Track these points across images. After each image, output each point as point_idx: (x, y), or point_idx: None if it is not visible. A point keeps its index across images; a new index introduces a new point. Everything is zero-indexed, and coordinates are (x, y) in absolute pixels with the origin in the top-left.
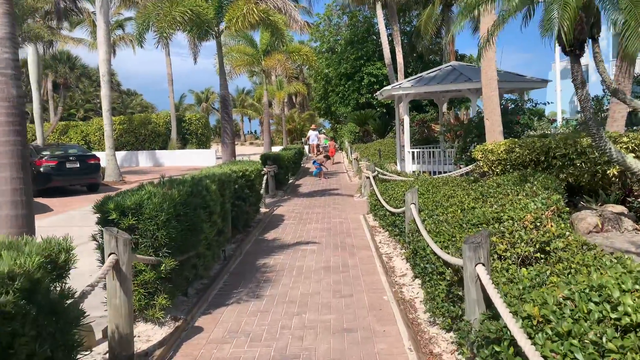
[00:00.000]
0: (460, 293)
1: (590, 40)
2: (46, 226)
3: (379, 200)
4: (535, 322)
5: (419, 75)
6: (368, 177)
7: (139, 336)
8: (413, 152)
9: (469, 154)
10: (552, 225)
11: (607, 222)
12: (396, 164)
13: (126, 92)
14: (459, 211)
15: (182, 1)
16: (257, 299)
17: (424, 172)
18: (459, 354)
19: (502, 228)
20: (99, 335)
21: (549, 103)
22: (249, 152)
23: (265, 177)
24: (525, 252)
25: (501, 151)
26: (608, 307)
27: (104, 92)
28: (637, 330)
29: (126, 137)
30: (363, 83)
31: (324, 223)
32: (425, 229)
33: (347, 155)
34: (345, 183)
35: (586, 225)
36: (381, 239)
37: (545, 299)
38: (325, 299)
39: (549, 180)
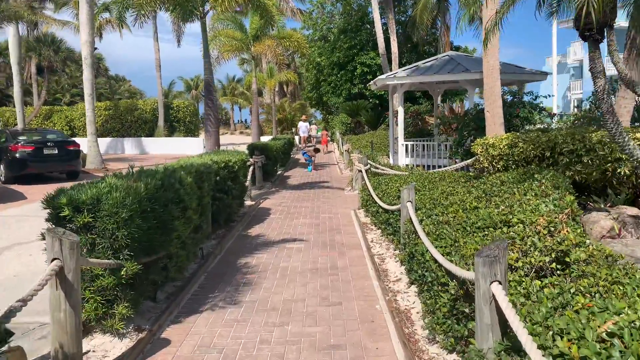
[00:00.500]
0: (466, 310)
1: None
2: (15, 215)
3: (372, 196)
4: None
5: (414, 64)
6: (360, 171)
7: (94, 351)
8: (407, 145)
9: (465, 147)
10: (568, 231)
11: (625, 226)
12: (389, 157)
13: (114, 78)
14: (461, 211)
15: None
16: (235, 306)
17: (417, 165)
18: None
19: (512, 233)
20: (46, 348)
21: (549, 96)
22: (239, 142)
23: (251, 168)
24: (539, 261)
25: (503, 145)
26: None
27: (86, 75)
28: None
29: (112, 124)
30: (356, 73)
31: (312, 218)
32: (424, 231)
33: (339, 147)
34: (336, 175)
35: (599, 230)
36: (373, 238)
37: (582, 332)
38: (311, 307)
39: (559, 179)
